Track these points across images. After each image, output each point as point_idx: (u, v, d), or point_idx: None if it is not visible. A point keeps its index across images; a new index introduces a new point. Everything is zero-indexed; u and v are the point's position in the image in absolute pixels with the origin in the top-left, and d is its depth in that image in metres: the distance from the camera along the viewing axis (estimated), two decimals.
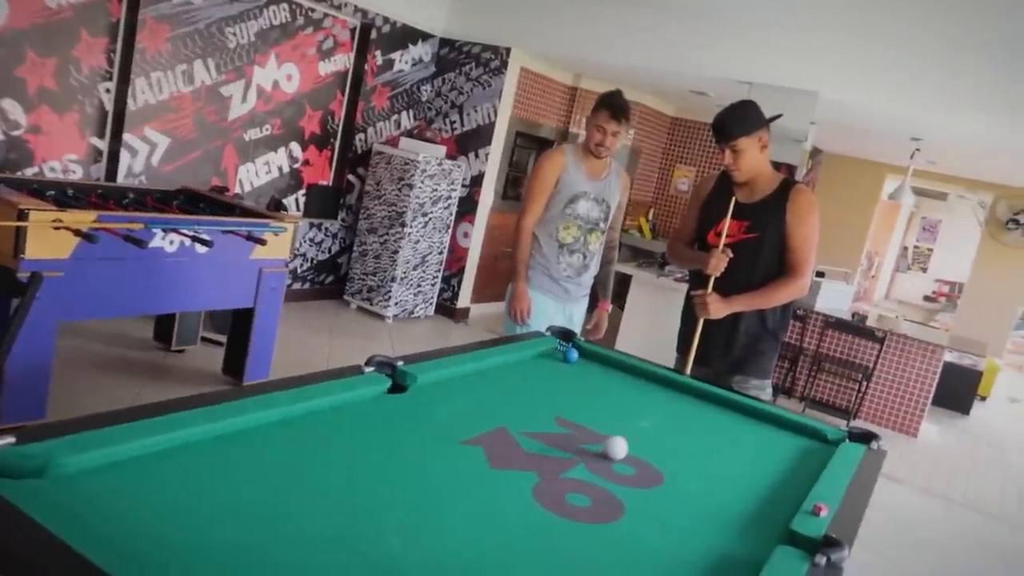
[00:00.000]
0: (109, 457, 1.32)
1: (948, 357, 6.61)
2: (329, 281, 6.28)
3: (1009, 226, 8.36)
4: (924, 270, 15.50)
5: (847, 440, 2.30)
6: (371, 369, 2.01)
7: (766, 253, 2.71)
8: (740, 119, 2.67)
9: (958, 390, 7.24)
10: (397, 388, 2.02)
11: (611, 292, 3.55)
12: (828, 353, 6.47)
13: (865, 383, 6.21)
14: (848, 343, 6.40)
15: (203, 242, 3.19)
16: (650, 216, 8.12)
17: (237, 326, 3.94)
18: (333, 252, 6.23)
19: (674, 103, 8.14)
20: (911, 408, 6.26)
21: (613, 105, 3.14)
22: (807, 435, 2.34)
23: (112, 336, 4.39)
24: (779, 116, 2.82)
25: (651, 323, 5.70)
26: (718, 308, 2.69)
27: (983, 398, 7.98)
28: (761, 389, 2.82)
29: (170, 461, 1.38)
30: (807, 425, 2.37)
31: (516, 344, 2.69)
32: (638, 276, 5.87)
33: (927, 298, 14.99)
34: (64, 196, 3.38)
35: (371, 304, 6.05)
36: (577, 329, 3.35)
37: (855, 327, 6.22)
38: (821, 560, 1.44)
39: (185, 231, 3.24)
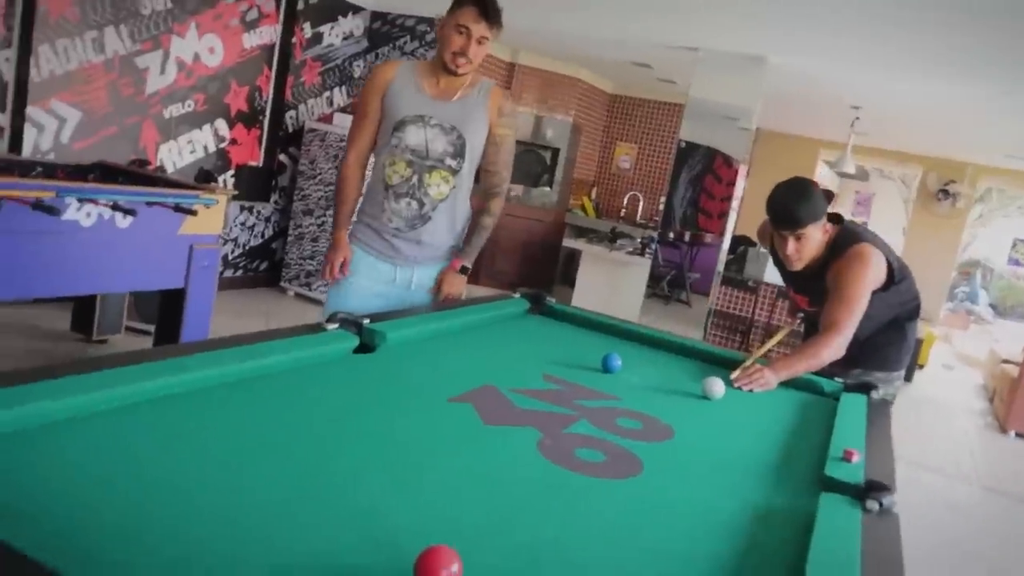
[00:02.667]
0: (21, 420, 1.04)
1: None
2: (263, 268, 5.90)
3: (939, 196, 8.56)
4: None
5: (844, 391, 2.17)
6: (334, 326, 1.75)
7: None
8: (807, 202, 2.31)
9: None
10: (364, 348, 1.77)
11: (476, 250, 2.56)
12: (779, 324, 6.44)
13: None
14: None
15: (126, 211, 2.85)
16: (593, 195, 7.99)
17: (166, 311, 3.58)
18: (266, 236, 5.86)
19: (613, 79, 8.03)
20: None
21: (483, 2, 2.29)
22: (801, 388, 2.20)
23: (23, 328, 3.97)
24: (833, 196, 2.55)
25: (604, 299, 5.54)
26: (771, 380, 2.15)
27: (921, 366, 8.14)
28: (887, 382, 2.50)
29: (104, 425, 1.11)
30: (801, 378, 2.23)
31: (484, 306, 2.47)
32: (588, 251, 5.71)
33: None
34: None
35: (310, 290, 5.71)
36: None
37: None
38: (874, 506, 1.28)
39: (104, 201, 2.88)
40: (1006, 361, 6.92)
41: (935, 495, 4.43)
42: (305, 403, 1.41)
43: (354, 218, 2.54)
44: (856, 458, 1.50)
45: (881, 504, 1.28)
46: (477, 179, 2.56)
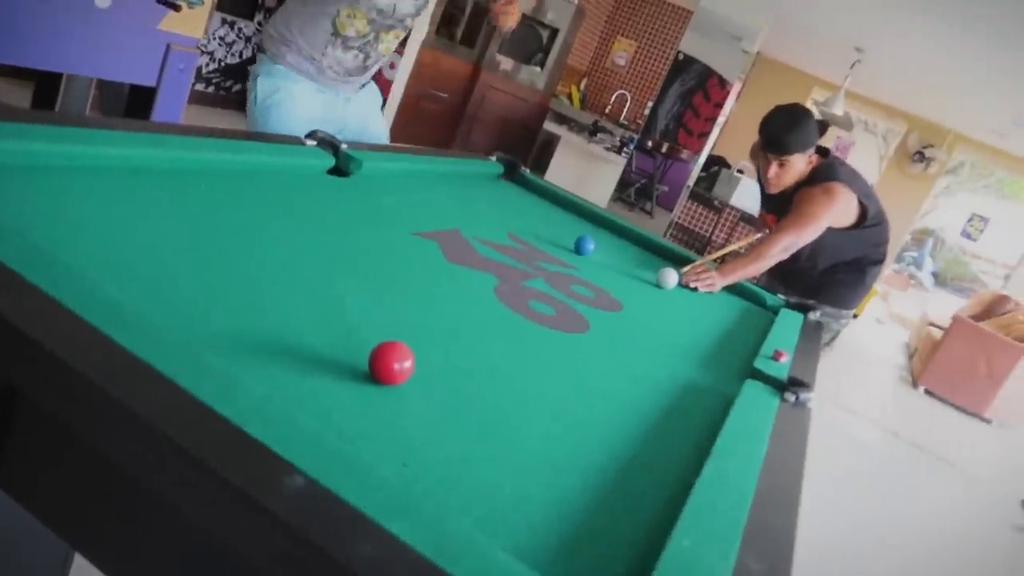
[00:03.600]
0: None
1: None
2: (236, 89, 5.72)
3: (915, 158, 8.67)
4: None
5: (786, 308, 2.28)
6: (313, 143, 1.75)
7: (808, 249, 2.44)
8: (799, 131, 2.35)
9: None
10: (338, 172, 1.78)
11: None
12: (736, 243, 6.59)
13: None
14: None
15: None
16: (582, 86, 7.85)
17: (132, 109, 3.47)
18: (244, 57, 5.64)
19: None
20: None
21: None
22: (744, 297, 2.30)
23: None
24: (827, 127, 2.54)
25: (571, 190, 5.55)
26: (716, 283, 2.19)
27: (856, 316, 8.46)
28: (836, 318, 2.59)
29: (80, 178, 1.12)
30: (747, 289, 2.33)
31: (459, 160, 2.48)
32: (567, 138, 5.67)
33: None
34: None
35: None
36: (364, 131, 2.39)
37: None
38: (791, 397, 1.38)
39: None
40: (933, 324, 7.25)
41: (840, 429, 4.74)
42: (278, 207, 1.43)
43: (275, 37, 2.20)
44: (784, 359, 1.60)
45: (798, 397, 1.39)
46: None
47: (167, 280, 0.94)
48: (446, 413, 0.91)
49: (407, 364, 0.91)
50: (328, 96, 2.29)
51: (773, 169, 2.42)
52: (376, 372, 0.90)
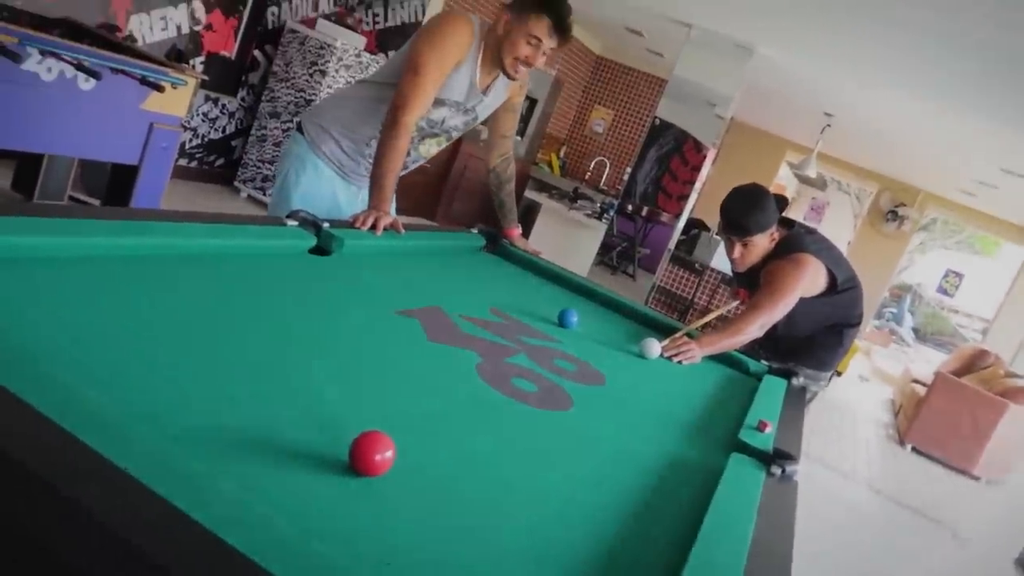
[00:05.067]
0: None
1: None
2: (219, 164, 5.77)
3: (888, 217, 8.84)
4: None
5: (768, 373, 2.28)
6: (294, 224, 1.76)
7: (784, 317, 2.47)
8: (758, 212, 2.40)
9: None
10: (319, 251, 1.79)
11: (516, 214, 2.74)
12: (717, 306, 6.62)
13: None
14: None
15: (90, 73, 2.75)
16: (561, 153, 8.00)
17: (115, 186, 3.49)
18: (228, 132, 5.71)
19: (602, 40, 7.98)
20: None
21: (561, 16, 2.15)
22: (728, 364, 2.31)
23: None
24: (787, 203, 2.63)
25: (554, 257, 5.59)
26: (696, 354, 2.17)
27: (839, 373, 8.48)
28: (815, 380, 2.65)
29: (57, 269, 1.11)
30: (731, 355, 2.33)
31: (441, 233, 2.50)
32: (548, 205, 5.74)
33: None
34: None
35: (264, 194, 5.62)
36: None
37: None
38: (777, 471, 1.37)
39: (68, 58, 2.78)
40: (916, 381, 7.27)
41: (827, 489, 4.69)
42: (257, 290, 1.42)
43: (320, 124, 2.30)
44: (769, 429, 1.59)
45: (784, 470, 1.38)
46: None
47: (139, 373, 0.93)
48: (425, 505, 0.90)
49: (388, 454, 0.90)
50: (351, 192, 2.38)
51: (738, 250, 2.47)
52: (357, 464, 0.88)
